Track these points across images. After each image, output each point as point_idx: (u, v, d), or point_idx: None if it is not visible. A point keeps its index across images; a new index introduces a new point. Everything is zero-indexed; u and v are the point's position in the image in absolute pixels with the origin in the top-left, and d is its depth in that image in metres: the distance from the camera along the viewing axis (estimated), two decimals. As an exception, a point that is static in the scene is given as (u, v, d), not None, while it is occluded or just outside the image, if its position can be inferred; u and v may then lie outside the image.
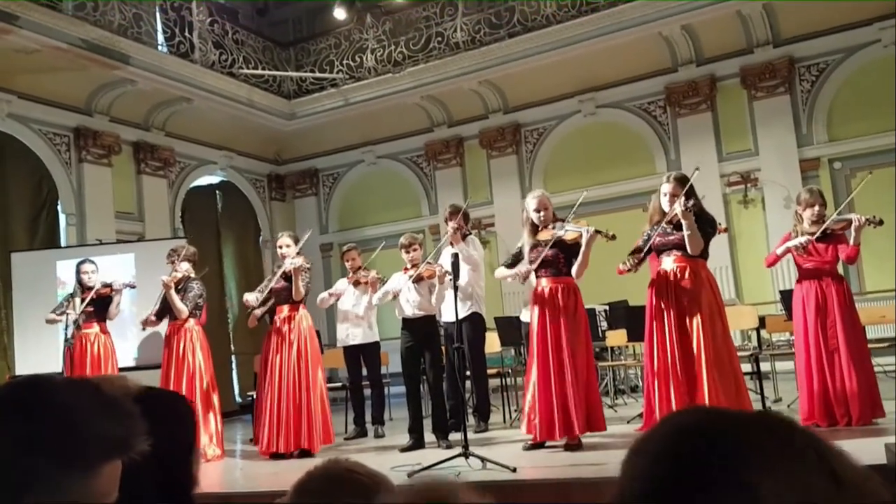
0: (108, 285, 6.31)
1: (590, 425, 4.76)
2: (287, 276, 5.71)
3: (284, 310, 5.77)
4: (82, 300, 6.23)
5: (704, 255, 4.60)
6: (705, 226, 4.56)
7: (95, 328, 6.26)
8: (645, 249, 4.70)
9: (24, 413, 0.86)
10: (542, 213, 4.94)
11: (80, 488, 0.85)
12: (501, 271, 5.17)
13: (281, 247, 5.87)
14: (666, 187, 4.63)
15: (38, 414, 0.86)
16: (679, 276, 4.54)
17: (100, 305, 6.29)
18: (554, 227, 4.87)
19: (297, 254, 5.82)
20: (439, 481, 0.83)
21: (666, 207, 4.63)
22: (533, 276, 4.91)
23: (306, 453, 5.49)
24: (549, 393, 4.71)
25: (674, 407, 4.40)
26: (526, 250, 5.01)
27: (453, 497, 0.80)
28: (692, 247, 4.47)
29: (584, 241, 4.70)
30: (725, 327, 4.52)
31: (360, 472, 1.16)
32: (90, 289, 6.26)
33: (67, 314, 6.12)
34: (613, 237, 4.63)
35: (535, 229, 4.98)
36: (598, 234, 4.64)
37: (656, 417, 4.54)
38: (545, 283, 4.86)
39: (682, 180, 4.64)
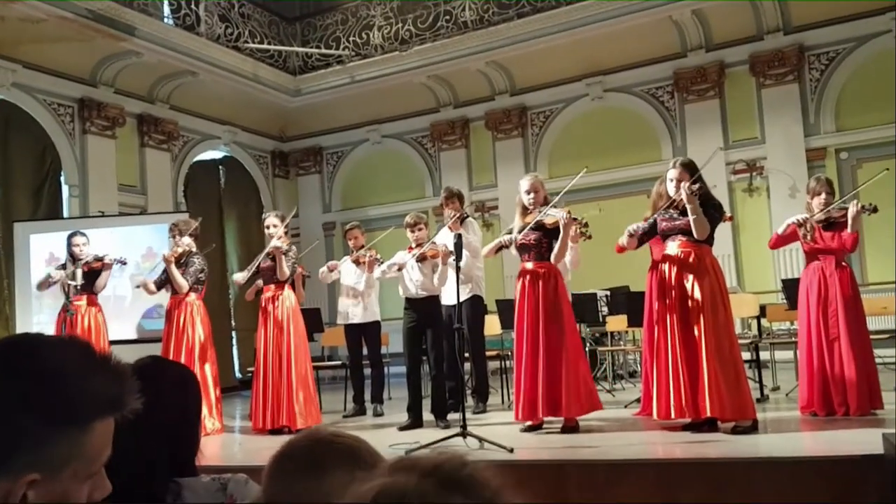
0: (100, 259, 6.27)
1: (587, 406, 4.79)
2: (273, 257, 5.77)
3: (271, 289, 5.83)
4: (72, 273, 6.18)
5: (710, 240, 4.58)
6: (711, 210, 4.53)
7: (84, 301, 6.23)
8: (648, 231, 4.69)
9: (13, 370, 0.85)
10: (532, 196, 4.96)
11: (72, 445, 0.85)
12: (484, 249, 5.31)
13: (268, 227, 5.92)
14: (672, 173, 4.61)
15: (26, 371, 0.85)
16: (683, 261, 4.52)
17: (90, 278, 6.27)
18: (539, 211, 4.88)
19: (281, 236, 5.85)
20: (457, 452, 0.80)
21: (672, 193, 4.61)
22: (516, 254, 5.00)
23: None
24: (532, 374, 4.76)
25: (672, 393, 4.41)
26: (515, 233, 5.04)
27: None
28: (698, 231, 4.45)
29: (561, 227, 4.72)
30: (728, 315, 4.50)
31: (345, 438, 1.14)
32: (80, 261, 6.25)
33: (70, 284, 6.11)
34: (589, 236, 4.74)
35: (525, 212, 5.01)
36: (574, 221, 4.66)
37: (654, 403, 4.55)
38: (528, 266, 4.91)
39: (688, 166, 4.62)
